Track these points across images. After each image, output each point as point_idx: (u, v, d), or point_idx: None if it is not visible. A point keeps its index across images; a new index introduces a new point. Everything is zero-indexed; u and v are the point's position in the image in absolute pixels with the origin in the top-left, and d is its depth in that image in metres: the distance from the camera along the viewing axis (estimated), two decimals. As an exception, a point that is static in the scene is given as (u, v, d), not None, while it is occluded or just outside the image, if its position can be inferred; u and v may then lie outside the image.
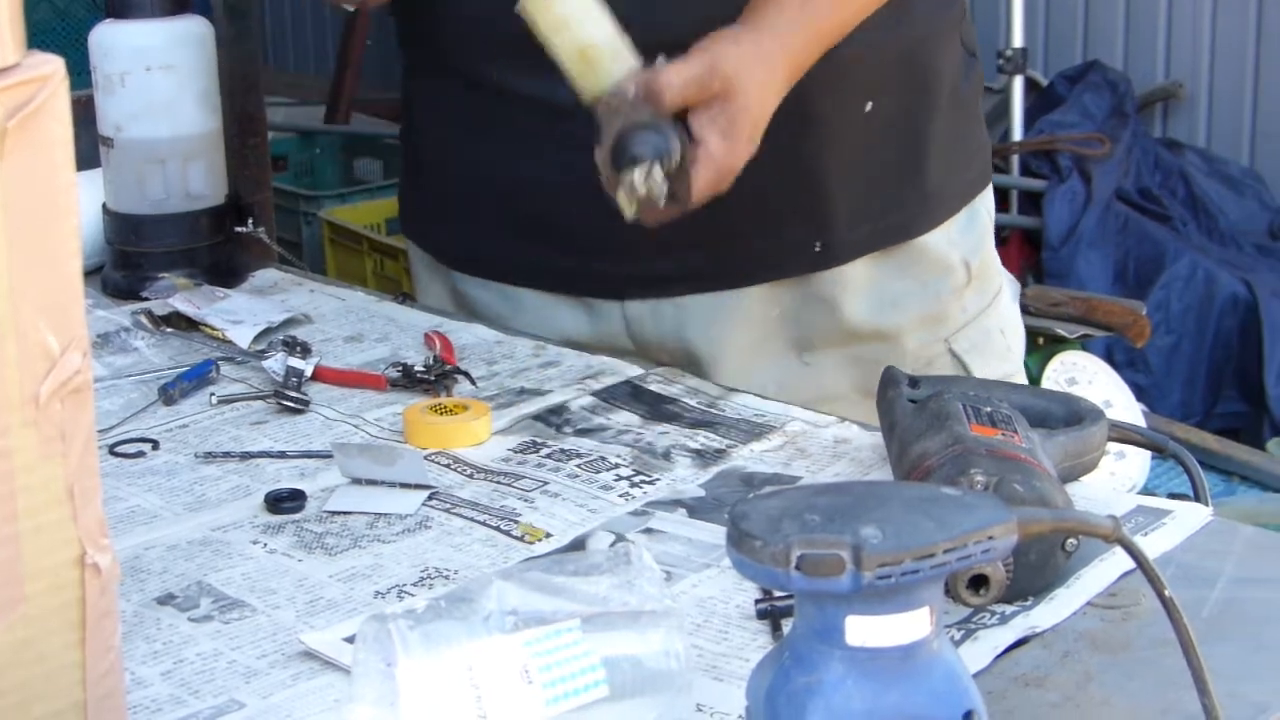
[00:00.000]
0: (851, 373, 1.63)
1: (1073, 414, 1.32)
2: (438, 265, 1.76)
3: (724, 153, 1.34)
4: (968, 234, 1.66)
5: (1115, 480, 3.10)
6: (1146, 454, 3.04)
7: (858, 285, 1.61)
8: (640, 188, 1.31)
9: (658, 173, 1.32)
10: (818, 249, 1.59)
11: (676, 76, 1.33)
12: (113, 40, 1.78)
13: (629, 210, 1.34)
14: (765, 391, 1.54)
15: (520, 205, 1.63)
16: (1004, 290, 1.73)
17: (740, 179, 1.39)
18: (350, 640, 1.05)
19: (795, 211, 1.58)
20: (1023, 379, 1.74)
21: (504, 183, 1.64)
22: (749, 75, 1.35)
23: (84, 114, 1.14)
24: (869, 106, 1.57)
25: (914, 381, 1.33)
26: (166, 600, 1.18)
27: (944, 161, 1.63)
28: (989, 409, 1.24)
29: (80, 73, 1.44)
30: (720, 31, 1.37)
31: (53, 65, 0.82)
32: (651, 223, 1.36)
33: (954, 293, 1.66)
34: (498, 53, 1.56)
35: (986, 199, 1.70)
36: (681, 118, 1.34)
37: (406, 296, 1.84)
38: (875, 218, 1.60)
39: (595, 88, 1.37)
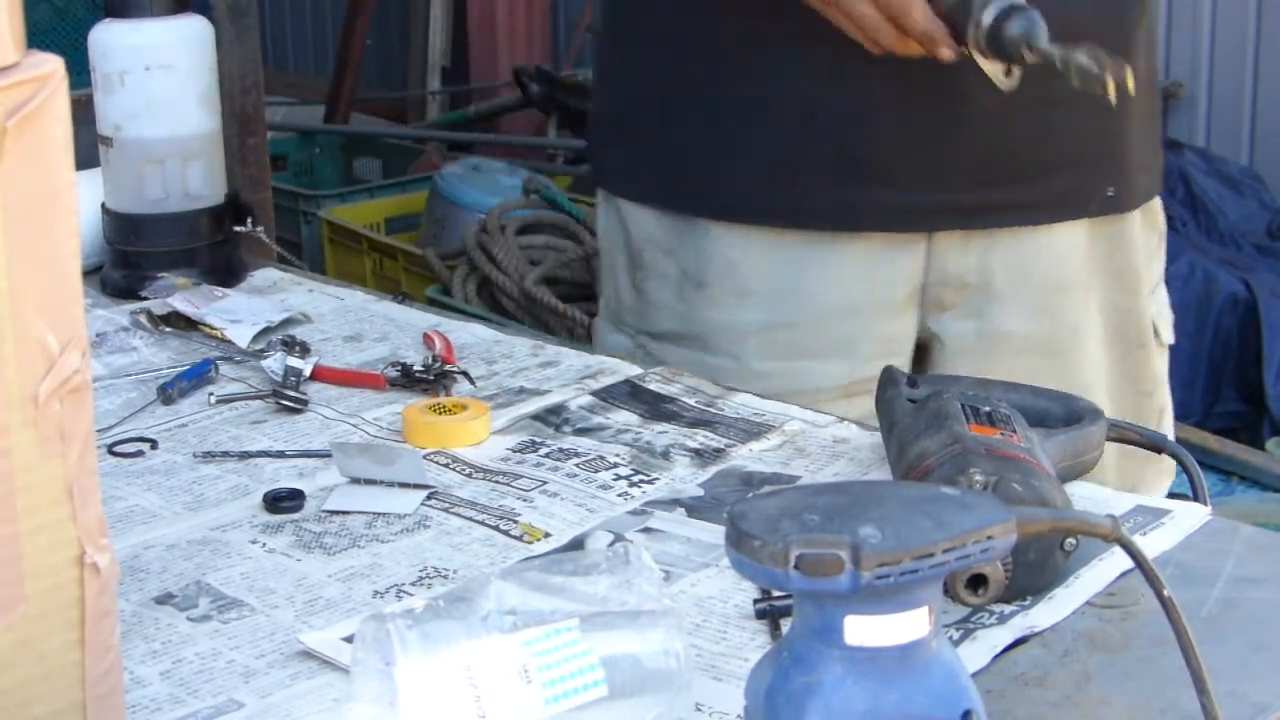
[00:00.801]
0: (1101, 319, 1.67)
1: (1072, 413, 1.32)
2: (675, 226, 1.64)
3: None
4: None
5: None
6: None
7: (1128, 233, 1.67)
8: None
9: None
10: (1110, 193, 1.63)
11: None
12: (112, 40, 1.78)
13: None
14: (1039, 328, 1.61)
15: (830, 137, 1.55)
16: None
17: (1069, 113, 1.52)
18: (349, 640, 1.05)
19: (1101, 152, 1.62)
20: None
21: (810, 112, 1.55)
22: None
23: (83, 113, 1.14)
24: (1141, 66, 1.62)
25: (913, 381, 1.33)
26: (165, 600, 1.18)
27: (1158, 122, 1.74)
28: (988, 408, 1.24)
29: (80, 72, 1.44)
30: None
31: (52, 65, 0.82)
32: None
33: (1151, 253, 1.72)
34: None
35: None
36: None
37: (406, 296, 1.84)
38: (1144, 170, 1.67)
39: None
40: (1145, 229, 1.70)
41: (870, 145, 1.55)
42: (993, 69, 1.37)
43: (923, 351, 1.68)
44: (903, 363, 1.63)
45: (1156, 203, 1.73)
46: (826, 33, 1.47)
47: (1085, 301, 1.66)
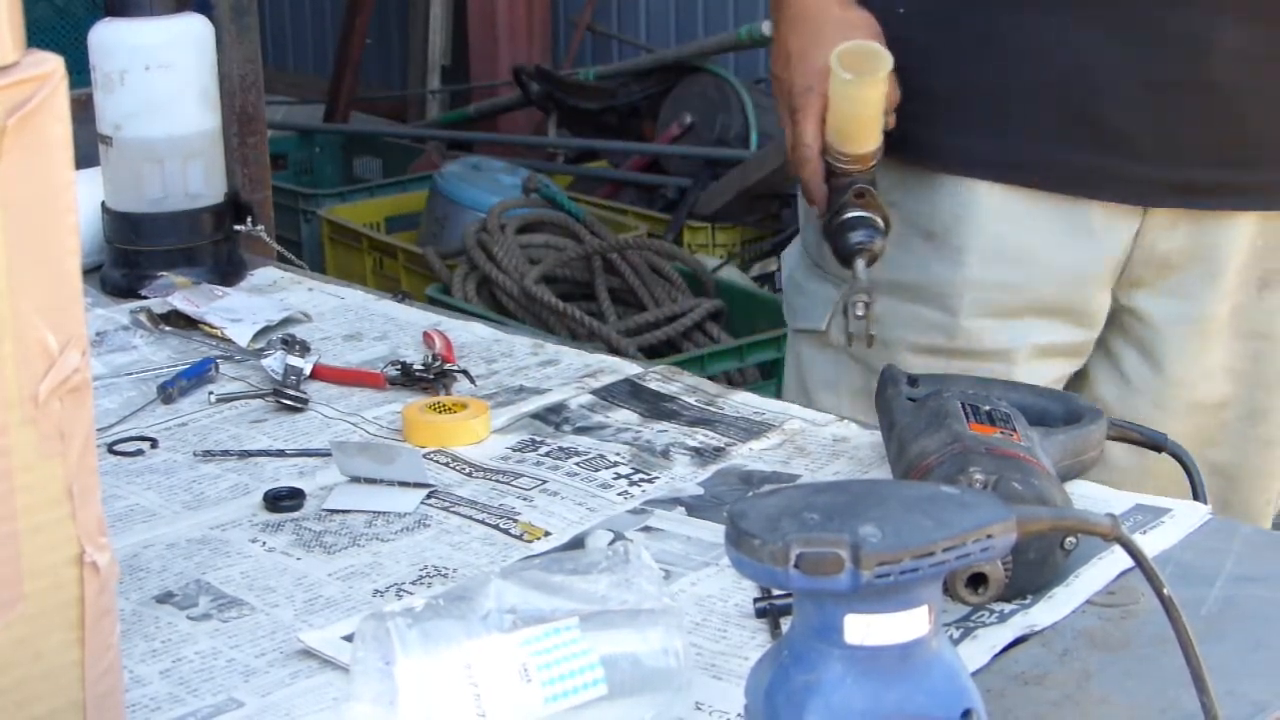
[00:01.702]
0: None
1: (1071, 412, 1.32)
2: (900, 174, 1.62)
3: None
4: None
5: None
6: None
7: None
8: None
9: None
10: None
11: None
12: (112, 39, 1.78)
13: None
14: (1213, 319, 1.59)
15: (1066, 99, 1.54)
16: None
17: None
18: (349, 639, 1.05)
19: None
20: None
21: (1050, 73, 1.55)
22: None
23: (83, 112, 1.14)
24: None
25: (913, 380, 1.33)
26: (165, 599, 1.18)
27: None
28: (988, 407, 1.24)
29: (79, 71, 1.44)
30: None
31: (52, 64, 0.82)
32: None
33: None
34: None
35: None
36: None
37: (405, 295, 1.84)
38: None
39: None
40: None
41: (1113, 113, 1.54)
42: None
43: (1111, 323, 1.66)
44: (1093, 335, 1.63)
45: None
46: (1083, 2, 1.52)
47: (1257, 293, 1.62)
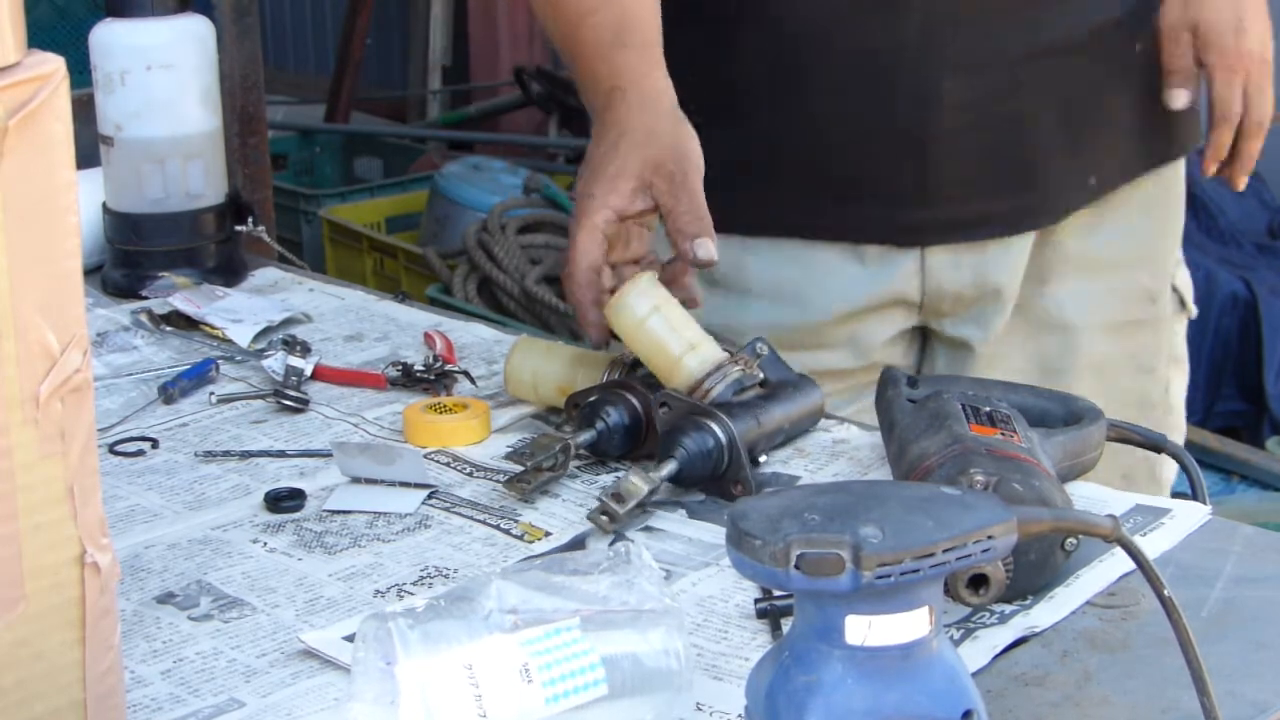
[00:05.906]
0: (1108, 303, 1.68)
1: (1071, 413, 1.32)
2: None
3: None
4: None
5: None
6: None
7: (1128, 214, 1.68)
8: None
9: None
10: (1093, 182, 1.65)
11: None
12: (113, 39, 1.78)
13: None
14: (1004, 331, 1.64)
15: (824, 158, 1.60)
16: None
17: (1027, 128, 1.57)
18: (350, 639, 1.05)
19: (1073, 150, 1.63)
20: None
21: (806, 135, 1.60)
22: None
23: (84, 113, 1.14)
24: (1138, 46, 1.63)
25: (913, 381, 1.33)
26: (166, 599, 1.18)
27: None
28: (988, 408, 1.24)
29: (80, 71, 1.44)
30: None
31: (53, 64, 0.82)
32: None
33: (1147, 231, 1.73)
34: None
35: None
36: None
37: (406, 295, 1.84)
38: (1146, 137, 1.67)
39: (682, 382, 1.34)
40: (1171, 200, 1.72)
41: (850, 163, 1.59)
42: None
43: (924, 343, 1.71)
44: (901, 357, 1.68)
45: (1151, 181, 1.71)
46: (827, 63, 1.55)
47: (1072, 292, 1.67)
